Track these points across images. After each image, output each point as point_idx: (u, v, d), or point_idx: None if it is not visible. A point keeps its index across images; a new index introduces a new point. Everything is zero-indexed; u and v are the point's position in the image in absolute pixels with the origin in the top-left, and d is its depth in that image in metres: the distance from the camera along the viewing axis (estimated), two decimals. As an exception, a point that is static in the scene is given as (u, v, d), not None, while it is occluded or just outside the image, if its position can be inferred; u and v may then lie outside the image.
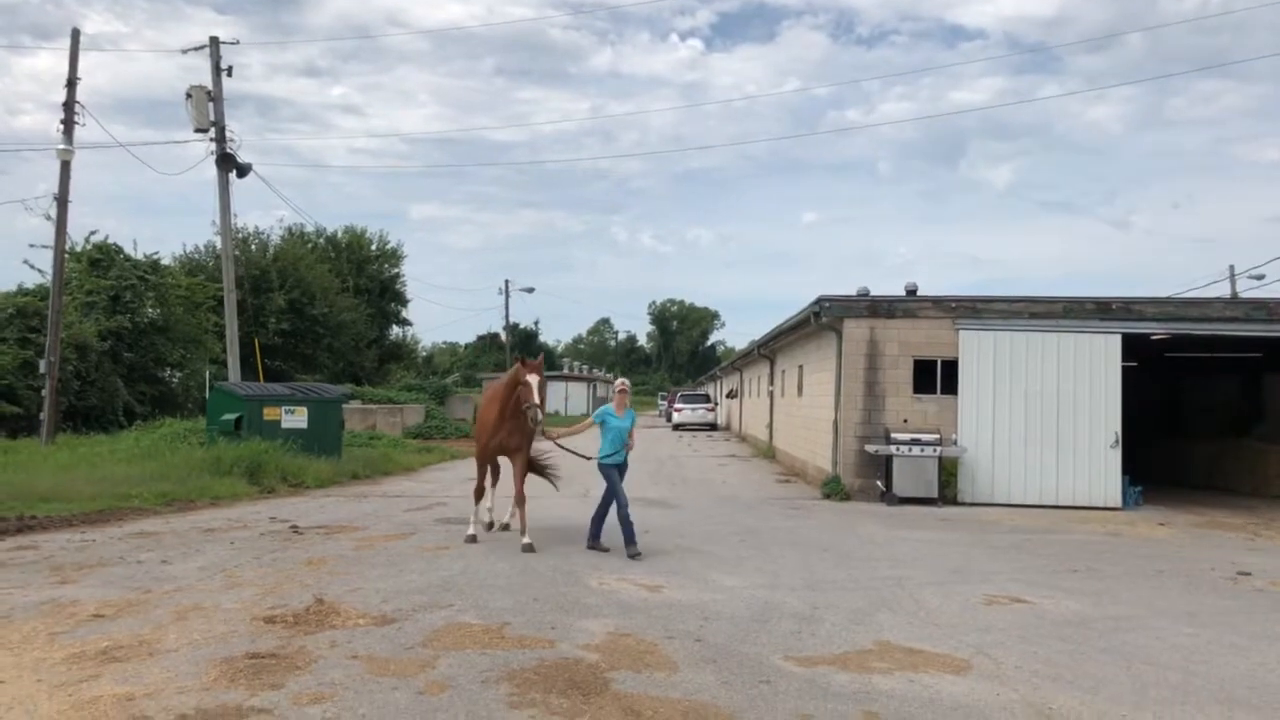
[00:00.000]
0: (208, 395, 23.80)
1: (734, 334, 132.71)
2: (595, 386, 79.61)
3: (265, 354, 33.01)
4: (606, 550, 11.11)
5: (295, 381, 30.94)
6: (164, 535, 12.13)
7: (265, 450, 18.10)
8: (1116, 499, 17.51)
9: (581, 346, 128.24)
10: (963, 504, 17.45)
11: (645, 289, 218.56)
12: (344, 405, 25.45)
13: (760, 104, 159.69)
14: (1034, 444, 17.72)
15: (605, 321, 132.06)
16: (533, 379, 11.15)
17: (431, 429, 36.47)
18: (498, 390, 11.99)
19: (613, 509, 11.12)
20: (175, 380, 32.99)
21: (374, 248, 57.16)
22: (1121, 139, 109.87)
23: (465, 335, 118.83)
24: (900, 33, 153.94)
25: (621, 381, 12.20)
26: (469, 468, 24.42)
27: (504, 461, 12.58)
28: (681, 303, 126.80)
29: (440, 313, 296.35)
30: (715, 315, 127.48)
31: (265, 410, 19.88)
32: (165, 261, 35.33)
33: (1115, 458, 17.59)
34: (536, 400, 11.07)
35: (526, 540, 11.22)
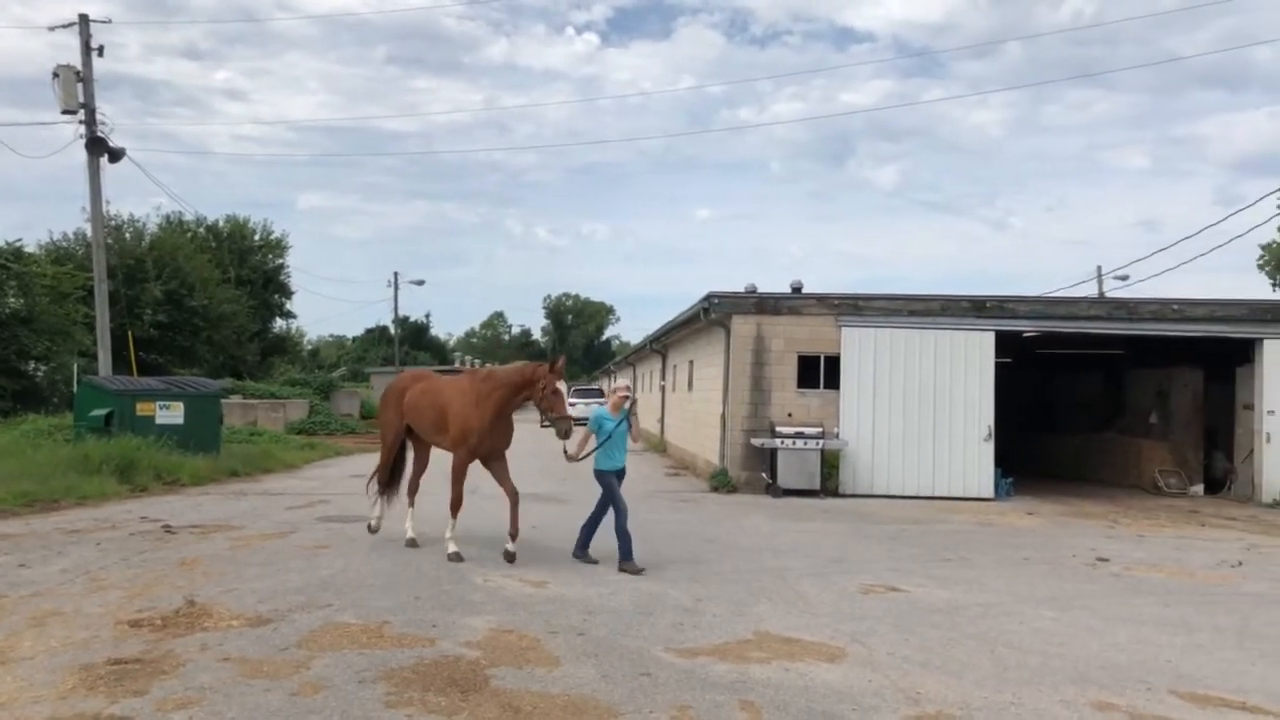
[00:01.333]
0: (75, 390, 22.71)
1: (629, 329, 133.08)
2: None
3: (140, 347, 31.63)
4: (595, 562, 10.27)
5: (172, 376, 29.74)
6: (23, 537, 11.54)
7: (138, 447, 17.37)
8: (989, 490, 18.24)
9: (474, 340, 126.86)
10: (844, 495, 17.93)
11: (540, 283, 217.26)
12: (224, 400, 24.63)
13: (656, 100, 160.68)
14: (912, 437, 18.31)
15: (499, 315, 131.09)
16: (563, 386, 10.10)
17: (316, 425, 35.60)
18: (486, 390, 10.39)
19: (606, 519, 10.41)
20: (40, 374, 31.38)
21: (257, 238, 55.39)
22: (1001, 143, 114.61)
23: (353, 328, 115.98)
24: (793, 33, 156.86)
25: (625, 385, 11.57)
26: (354, 464, 23.98)
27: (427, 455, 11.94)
28: (577, 297, 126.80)
29: (327, 305, 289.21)
30: (610, 310, 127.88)
31: (138, 405, 19.08)
32: (30, 249, 33.56)
33: (988, 451, 18.33)
34: (568, 411, 10.04)
35: (511, 548, 10.34)
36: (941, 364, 18.49)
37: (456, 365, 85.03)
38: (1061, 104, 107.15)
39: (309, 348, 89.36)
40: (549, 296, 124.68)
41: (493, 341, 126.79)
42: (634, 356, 42.04)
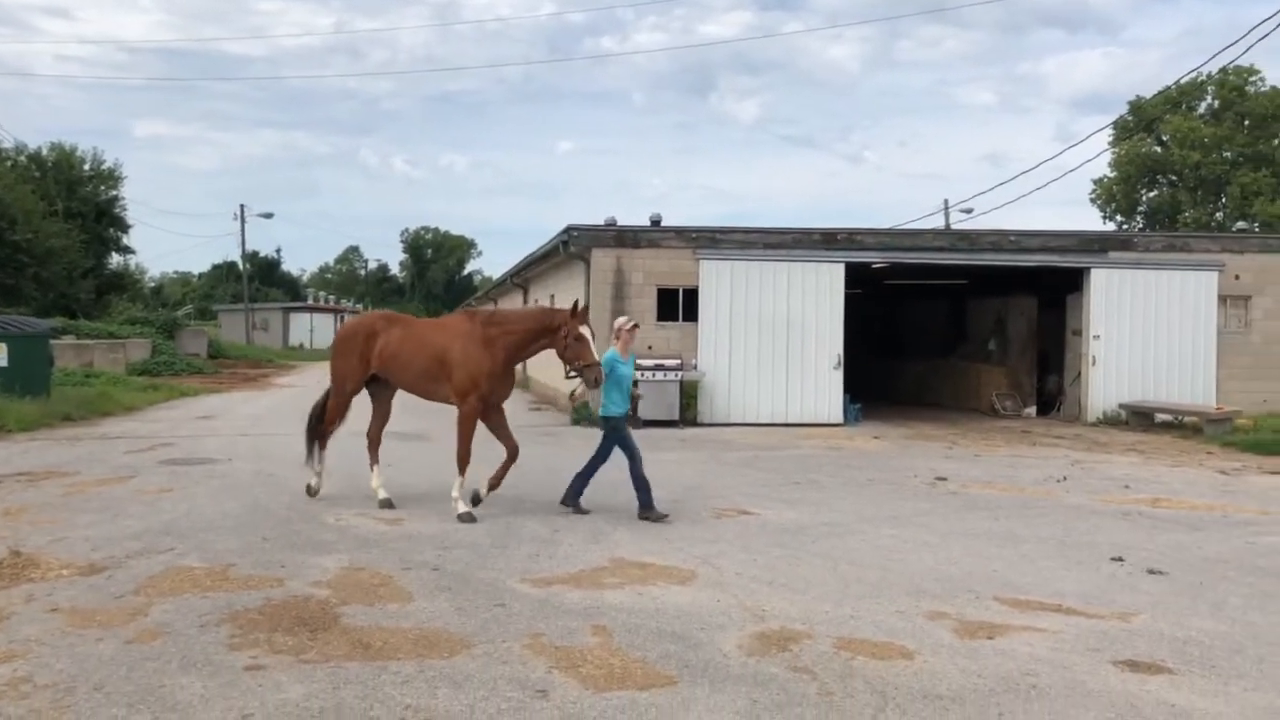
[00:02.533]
0: (-118, 332, 20.94)
1: (491, 263, 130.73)
2: (342, 318, 76.67)
3: (-44, 285, 29.32)
4: (587, 513, 9.66)
5: (-6, 315, 27.74)
6: None
7: (-45, 392, 16.20)
8: (839, 416, 18.96)
9: (329, 276, 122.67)
10: (703, 425, 18.32)
11: (397, 216, 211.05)
12: (54, 341, 23.15)
13: (515, 27, 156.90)
14: (767, 367, 18.80)
15: (354, 250, 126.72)
16: (587, 332, 9.38)
17: (160, 365, 33.93)
18: (496, 333, 9.50)
19: (602, 469, 9.92)
20: None
21: (87, 167, 51.73)
22: (857, 77, 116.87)
23: (199, 265, 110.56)
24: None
25: (627, 320, 10.50)
26: (200, 405, 23.04)
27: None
28: (437, 230, 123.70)
29: (171, 240, 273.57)
30: (472, 244, 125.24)
31: (-46, 348, 17.74)
32: None
33: (838, 378, 19.00)
34: (596, 358, 9.36)
35: (482, 493, 9.65)
36: (795, 295, 18.96)
37: (314, 303, 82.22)
38: (914, 40, 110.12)
39: (151, 285, 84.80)
40: (407, 230, 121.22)
41: (348, 277, 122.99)
42: (495, 291, 41.51)
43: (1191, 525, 9.73)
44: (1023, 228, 20.44)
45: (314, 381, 22.62)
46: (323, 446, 10.38)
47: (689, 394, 18.38)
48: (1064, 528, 9.50)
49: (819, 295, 19.03)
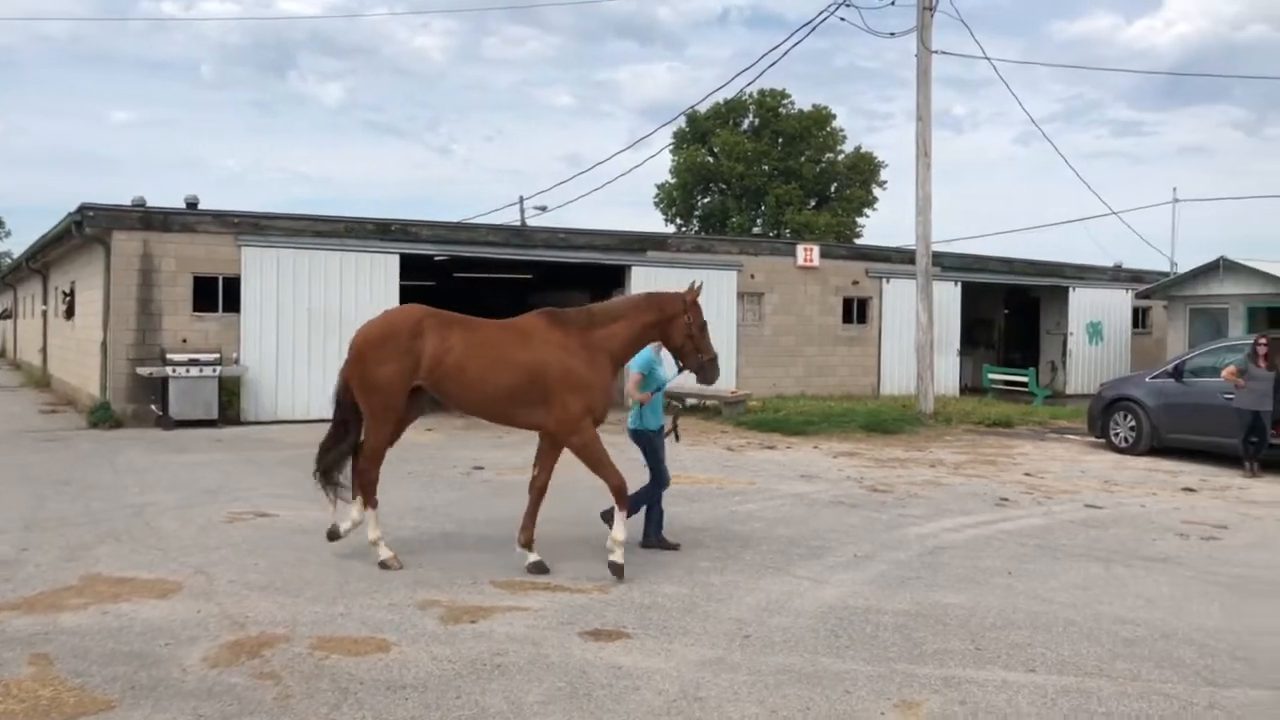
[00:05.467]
0: None
1: (23, 244, 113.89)
2: None
3: None
4: (676, 546, 8.29)
5: None
6: None
7: None
8: (395, 409, 18.74)
9: None
10: (246, 423, 17.23)
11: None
12: None
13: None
14: (318, 361, 18.08)
15: None
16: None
17: None
18: (600, 338, 7.60)
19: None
20: None
21: None
22: (444, 69, 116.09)
23: None
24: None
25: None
26: None
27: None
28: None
29: None
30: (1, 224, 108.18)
31: None
32: None
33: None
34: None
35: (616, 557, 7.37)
36: (347, 286, 18.44)
37: None
38: (500, 37, 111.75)
39: None
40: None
41: None
42: (12, 277, 36.13)
43: (690, 498, 10.79)
44: (593, 227, 21.60)
45: None
46: (369, 497, 7.70)
47: (230, 391, 17.17)
48: (580, 509, 10.07)
49: (374, 287, 18.65)
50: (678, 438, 8.44)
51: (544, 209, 46.04)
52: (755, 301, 23.06)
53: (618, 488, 7.37)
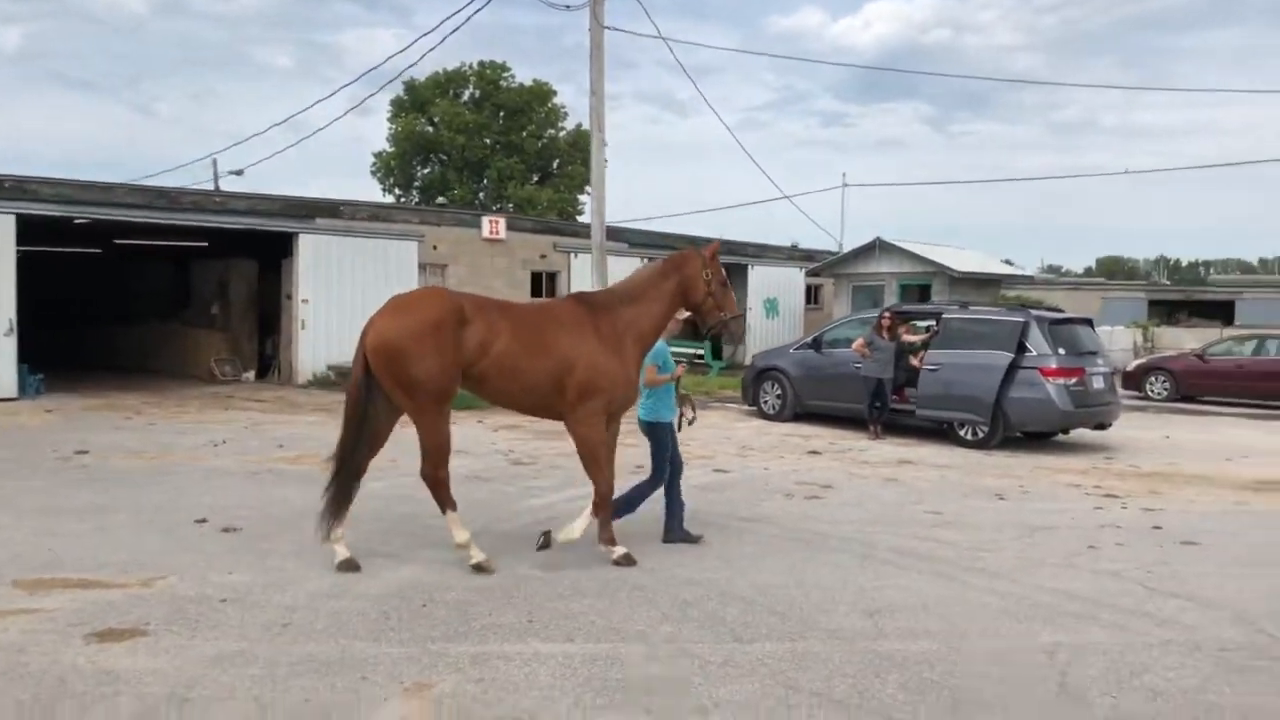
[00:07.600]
0: None
1: None
2: None
3: None
4: (699, 538, 7.79)
5: None
6: None
7: None
8: (13, 389, 16.64)
9: None
10: None
11: None
12: None
13: None
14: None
15: None
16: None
17: None
18: (627, 319, 7.13)
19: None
20: None
21: None
22: (145, 21, 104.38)
23: None
24: None
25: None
26: None
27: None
28: None
29: None
30: None
31: None
32: None
33: (10, 345, 16.65)
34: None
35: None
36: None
37: None
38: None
39: None
40: None
41: None
42: None
43: (310, 480, 10.12)
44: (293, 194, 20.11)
45: None
46: (448, 500, 6.90)
47: None
48: (177, 492, 9.23)
49: (-14, 250, 16.41)
50: (691, 421, 8.07)
51: (240, 173, 42.92)
52: (438, 273, 22.50)
53: (604, 495, 7.12)
